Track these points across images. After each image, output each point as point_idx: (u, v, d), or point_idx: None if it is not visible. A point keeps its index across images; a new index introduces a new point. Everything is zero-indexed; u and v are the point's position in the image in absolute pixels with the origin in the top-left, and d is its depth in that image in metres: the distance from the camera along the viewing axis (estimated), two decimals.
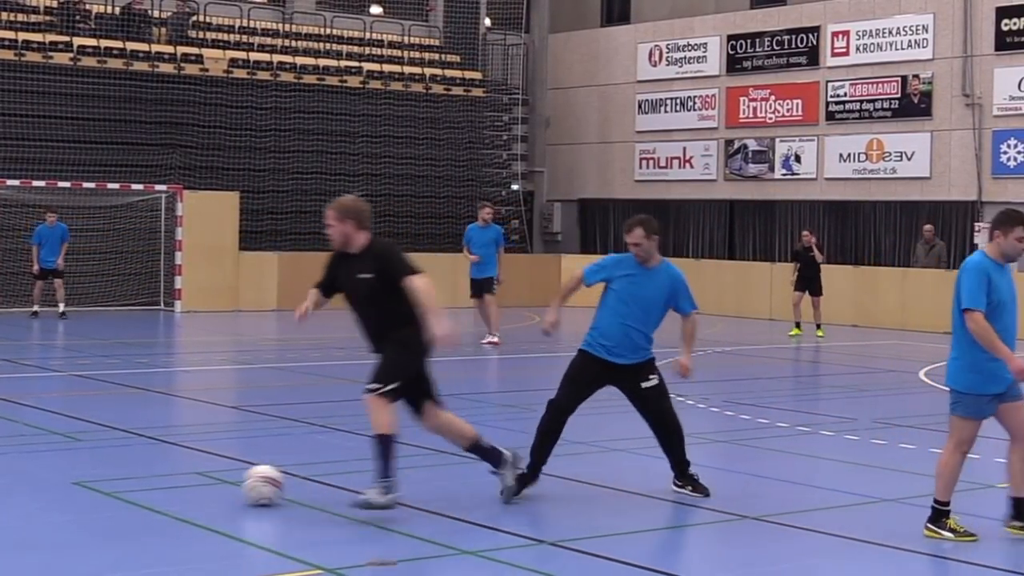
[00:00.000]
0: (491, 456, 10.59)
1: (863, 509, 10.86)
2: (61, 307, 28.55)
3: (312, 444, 13.24)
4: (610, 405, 16.99)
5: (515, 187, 40.84)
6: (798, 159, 36.58)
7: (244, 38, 37.68)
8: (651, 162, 39.93)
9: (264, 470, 10.27)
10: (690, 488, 10.96)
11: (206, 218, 31.59)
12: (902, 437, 14.50)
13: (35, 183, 30.23)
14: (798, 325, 27.93)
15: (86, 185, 30.74)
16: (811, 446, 14.03)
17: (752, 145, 37.62)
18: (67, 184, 30.45)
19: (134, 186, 31.69)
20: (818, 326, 28.01)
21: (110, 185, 31.24)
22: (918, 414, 16.61)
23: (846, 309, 31.38)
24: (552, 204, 42.11)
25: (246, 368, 21.47)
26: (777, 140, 37.01)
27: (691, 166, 38.97)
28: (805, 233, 28.97)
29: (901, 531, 9.79)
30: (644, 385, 11.14)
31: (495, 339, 24.49)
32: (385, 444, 9.88)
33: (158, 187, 32.05)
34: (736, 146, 37.97)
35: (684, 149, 39.08)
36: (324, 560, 8.55)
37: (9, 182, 30.03)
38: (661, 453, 11.29)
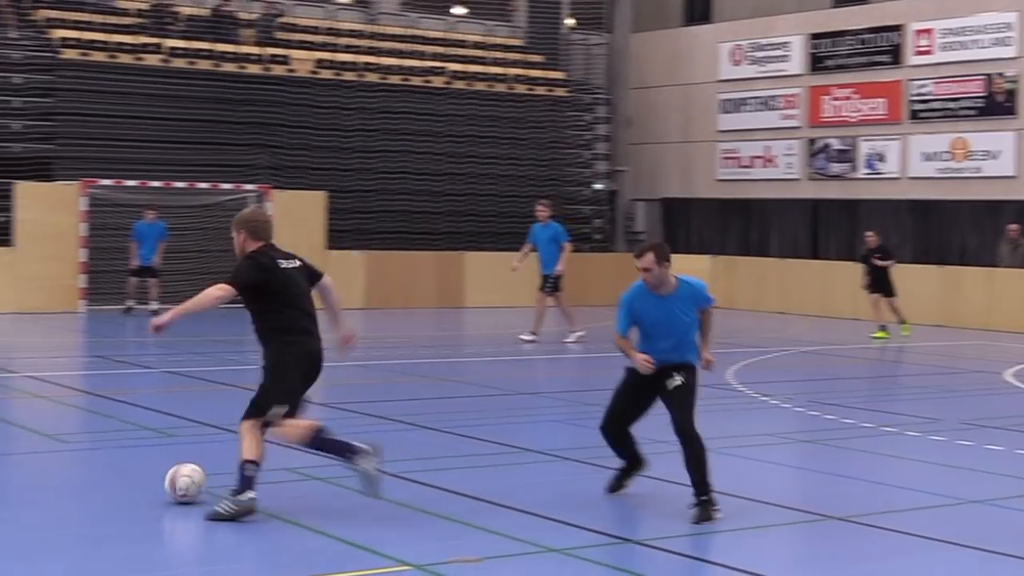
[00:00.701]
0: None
1: (950, 510, 10.76)
2: (154, 305, 28.84)
3: (400, 441, 13.27)
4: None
5: (598, 186, 40.79)
6: (881, 158, 36.25)
7: (330, 39, 37.87)
8: (733, 161, 39.74)
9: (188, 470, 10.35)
10: (696, 515, 9.95)
11: (294, 217, 31.79)
12: (989, 438, 14.33)
13: (127, 183, 30.59)
14: (883, 328, 27.44)
15: (177, 185, 31.07)
16: (896, 447, 13.89)
17: (835, 144, 37.33)
18: (158, 184, 30.81)
19: (223, 185, 32.00)
20: (902, 323, 27.62)
21: (200, 185, 31.57)
22: (1005, 415, 16.43)
23: (931, 309, 31.06)
24: (635, 203, 42.01)
25: (334, 366, 21.53)
26: (860, 139, 36.70)
27: (774, 165, 38.75)
28: (869, 235, 28.59)
29: (989, 533, 9.70)
30: (669, 384, 10.51)
31: (530, 337, 24.40)
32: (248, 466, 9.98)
33: (247, 187, 32.33)
34: (819, 145, 37.69)
35: (767, 148, 38.86)
36: (411, 556, 8.58)
37: (103, 182, 30.39)
38: (747, 452, 11.24)
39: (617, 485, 10.69)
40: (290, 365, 10.28)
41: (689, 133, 41.03)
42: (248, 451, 10.03)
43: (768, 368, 21.53)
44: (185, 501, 10.15)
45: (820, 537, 9.84)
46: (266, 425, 10.12)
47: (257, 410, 10.22)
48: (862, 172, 36.72)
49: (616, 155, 42.22)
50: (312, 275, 10.62)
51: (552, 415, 15.23)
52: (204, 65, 34.34)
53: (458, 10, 41.32)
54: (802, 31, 38.22)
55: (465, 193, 36.52)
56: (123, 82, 32.85)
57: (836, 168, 37.31)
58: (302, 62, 36.01)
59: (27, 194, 29.53)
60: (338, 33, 38.34)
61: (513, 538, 9.19)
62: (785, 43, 38.58)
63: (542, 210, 25.75)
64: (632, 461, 10.83)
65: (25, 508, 10.14)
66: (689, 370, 10.51)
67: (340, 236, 33.35)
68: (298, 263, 10.55)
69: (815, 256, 37.42)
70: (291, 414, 10.23)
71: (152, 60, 33.72)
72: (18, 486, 11.14)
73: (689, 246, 39.62)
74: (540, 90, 39.40)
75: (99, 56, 33.03)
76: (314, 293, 10.61)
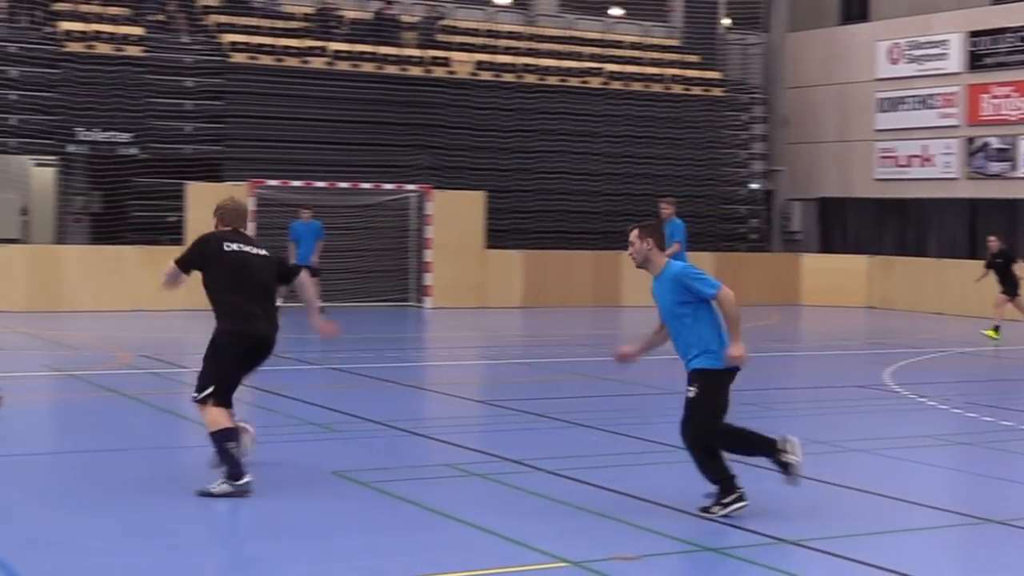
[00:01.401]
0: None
1: None
2: (317, 304, 29.28)
3: (557, 439, 13.34)
4: (849, 406, 16.81)
5: (754, 186, 40.50)
6: None
7: (489, 41, 38.09)
8: (890, 160, 39.18)
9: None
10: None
11: (454, 217, 32.10)
12: None
13: (293, 183, 31.10)
14: (996, 328, 26.45)
15: (340, 185, 31.51)
16: None
17: (994, 143, 36.63)
18: (323, 184, 31.27)
19: (385, 186, 32.38)
20: None
21: (363, 185, 31.98)
22: None
23: None
24: (791, 203, 41.62)
25: (493, 363, 21.74)
26: (1020, 138, 35.95)
27: (932, 164, 38.12)
28: (991, 239, 27.96)
29: None
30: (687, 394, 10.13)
31: None
32: (217, 440, 10.40)
33: (408, 187, 32.67)
34: (978, 144, 37.01)
35: (924, 147, 38.25)
36: (568, 553, 8.63)
37: (269, 182, 30.93)
38: (903, 454, 11.11)
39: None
40: (224, 347, 10.70)
41: (845, 132, 40.53)
42: (211, 424, 10.49)
43: (925, 369, 21.22)
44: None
45: (978, 540, 9.70)
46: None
47: (198, 393, 10.68)
48: (1022, 171, 35.99)
49: (772, 155, 41.86)
50: (283, 270, 11.25)
51: None
52: (367, 67, 34.76)
53: (615, 11, 41.29)
54: (960, 29, 37.56)
55: (622, 193, 36.48)
56: (289, 85, 33.39)
57: (995, 167, 36.61)
58: (462, 64, 36.26)
59: (198, 194, 30.12)
60: (497, 35, 38.54)
61: (670, 536, 9.20)
62: (943, 41, 37.94)
63: (666, 207, 25.34)
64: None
65: (198, 500, 10.38)
66: (697, 379, 10.05)
67: (499, 235, 33.54)
68: (267, 254, 11.01)
69: (973, 256, 36.72)
70: (223, 396, 10.66)
71: (317, 63, 34.22)
72: (190, 479, 11.40)
73: (846, 246, 39.18)
74: (696, 90, 39.22)
75: (266, 60, 33.62)
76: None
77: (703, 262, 35.57)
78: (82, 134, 31.15)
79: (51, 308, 28.28)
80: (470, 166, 34.83)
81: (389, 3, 36.85)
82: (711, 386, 9.98)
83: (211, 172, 31.80)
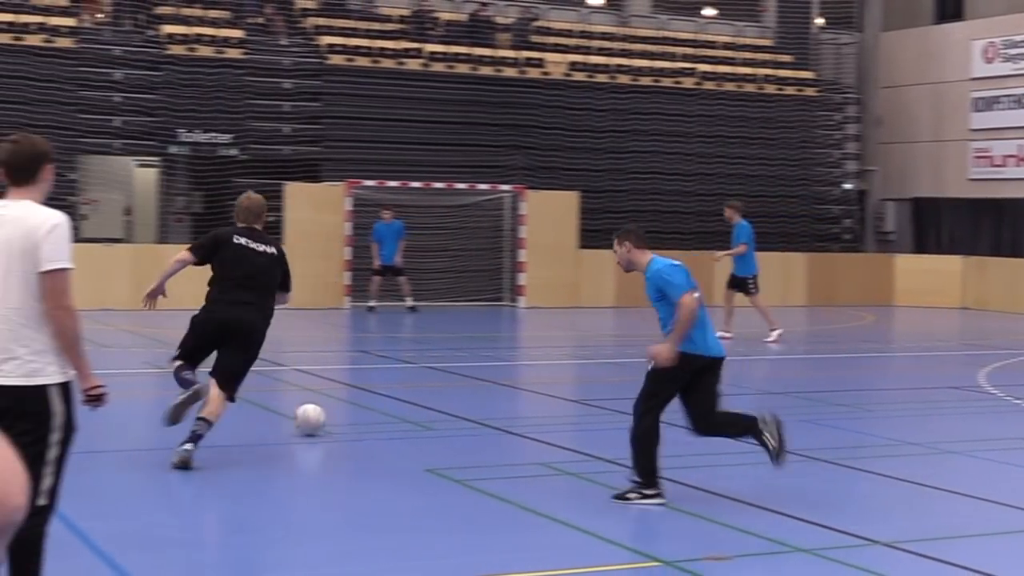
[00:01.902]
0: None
1: None
2: (409, 301, 29.43)
3: None
4: (943, 407, 16.63)
5: (847, 186, 40.16)
6: None
7: (583, 42, 38.07)
8: (986, 160, 38.67)
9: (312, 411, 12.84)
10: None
11: (547, 217, 32.11)
12: None
13: (389, 183, 31.27)
14: None
15: (435, 185, 31.63)
16: None
17: None
18: (418, 184, 31.41)
19: (480, 186, 32.46)
20: None
21: (457, 185, 32.08)
22: None
23: None
24: (885, 203, 41.22)
25: (586, 363, 21.74)
26: None
27: None
28: None
29: None
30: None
31: (775, 335, 24.00)
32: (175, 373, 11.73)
33: (502, 187, 32.74)
34: None
35: (1021, 147, 37.71)
36: (660, 552, 8.62)
37: (366, 182, 31.12)
38: (996, 456, 10.98)
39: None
40: (194, 324, 11.86)
41: (940, 132, 40.07)
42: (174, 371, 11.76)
43: (1020, 371, 20.94)
44: (308, 433, 12.78)
45: None
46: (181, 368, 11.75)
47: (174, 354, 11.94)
48: None
49: (866, 154, 41.48)
50: (283, 273, 12.17)
51: (803, 415, 15.08)
52: (462, 69, 34.86)
53: (708, 11, 41.12)
54: None
55: (715, 193, 36.26)
56: (385, 86, 33.57)
57: None
58: (556, 65, 36.27)
59: (296, 194, 30.40)
60: (591, 36, 38.51)
61: (762, 537, 9.16)
62: None
63: (730, 210, 25.08)
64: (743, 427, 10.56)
65: (294, 496, 10.48)
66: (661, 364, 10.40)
67: (592, 235, 33.50)
68: (272, 251, 12.04)
69: None
70: (189, 366, 11.73)
71: (413, 64, 34.37)
72: (289, 475, 11.52)
73: (940, 246, 38.74)
74: (790, 90, 38.96)
75: (363, 61, 33.82)
76: None
77: (796, 262, 35.36)
78: (183, 135, 31.53)
79: (153, 306, 28.57)
80: (563, 166, 34.84)
81: (484, 5, 36.94)
82: (660, 369, 10.39)
83: (309, 173, 32.06)
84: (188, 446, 11.20)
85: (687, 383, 10.44)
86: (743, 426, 10.56)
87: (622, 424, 14.05)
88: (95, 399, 6.84)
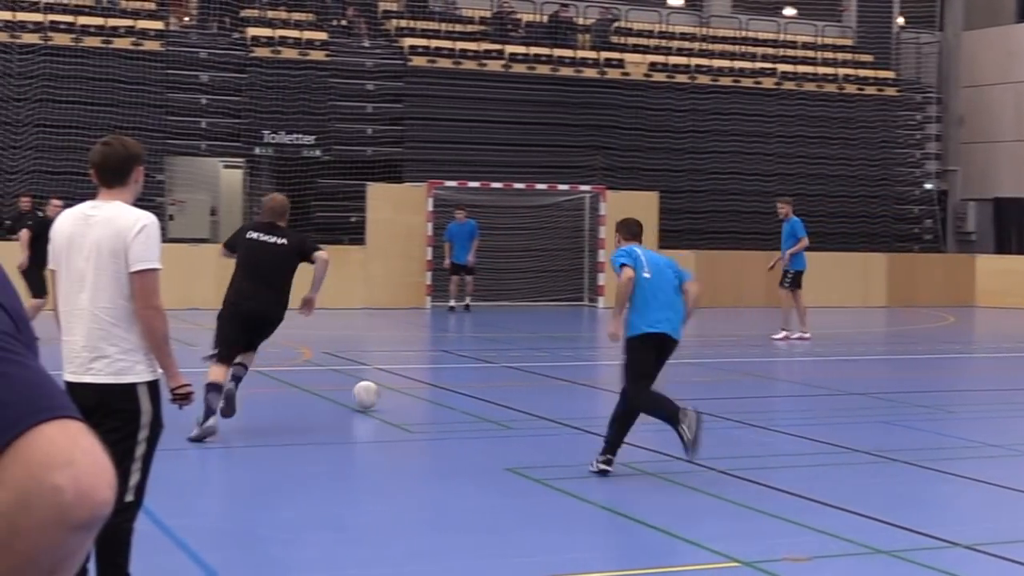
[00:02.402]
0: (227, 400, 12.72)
1: None
2: (467, 300, 29.55)
3: (728, 439, 13.25)
4: (1020, 409, 16.43)
5: (928, 186, 39.77)
6: None
7: (663, 42, 37.97)
8: None
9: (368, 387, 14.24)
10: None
11: (627, 217, 32.02)
12: None
13: (470, 184, 31.34)
14: None
15: (516, 186, 31.65)
16: None
17: None
18: (499, 185, 31.44)
19: (560, 186, 32.46)
20: None
21: (538, 186, 32.09)
22: None
23: None
24: (966, 203, 40.79)
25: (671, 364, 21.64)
26: None
27: None
28: None
29: None
30: None
31: (798, 333, 24.00)
32: (205, 388, 12.27)
33: (582, 187, 32.71)
34: None
35: None
36: (739, 553, 8.58)
37: (447, 183, 31.21)
38: None
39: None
40: (222, 317, 13.04)
41: (1022, 131, 39.59)
42: (208, 376, 12.52)
43: None
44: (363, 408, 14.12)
45: None
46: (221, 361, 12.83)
47: (211, 352, 13.09)
48: None
49: (947, 154, 41.08)
50: (304, 252, 13.03)
51: (882, 416, 14.97)
52: (543, 70, 34.88)
53: (788, 11, 40.87)
54: None
55: (795, 193, 36.00)
56: (467, 87, 33.66)
57: None
58: (636, 65, 36.20)
59: (378, 195, 30.55)
60: (671, 36, 38.40)
61: (841, 538, 9.09)
62: None
63: (782, 207, 24.98)
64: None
65: (376, 494, 10.53)
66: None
67: (672, 236, 33.42)
68: (283, 242, 12.99)
69: None
70: (224, 355, 12.80)
71: (494, 66, 34.43)
72: (371, 473, 11.58)
73: (1021, 247, 38.27)
74: (870, 90, 38.65)
75: (445, 63, 33.93)
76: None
77: (876, 263, 35.06)
78: (268, 137, 31.77)
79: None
80: (643, 167, 34.78)
81: (564, 6, 36.93)
82: (628, 352, 11.24)
83: (391, 173, 32.20)
84: (231, 385, 12.78)
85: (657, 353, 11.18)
86: (668, 412, 11.07)
87: (704, 425, 14.02)
88: (182, 397, 6.92)
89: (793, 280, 24.26)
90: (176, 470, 10.50)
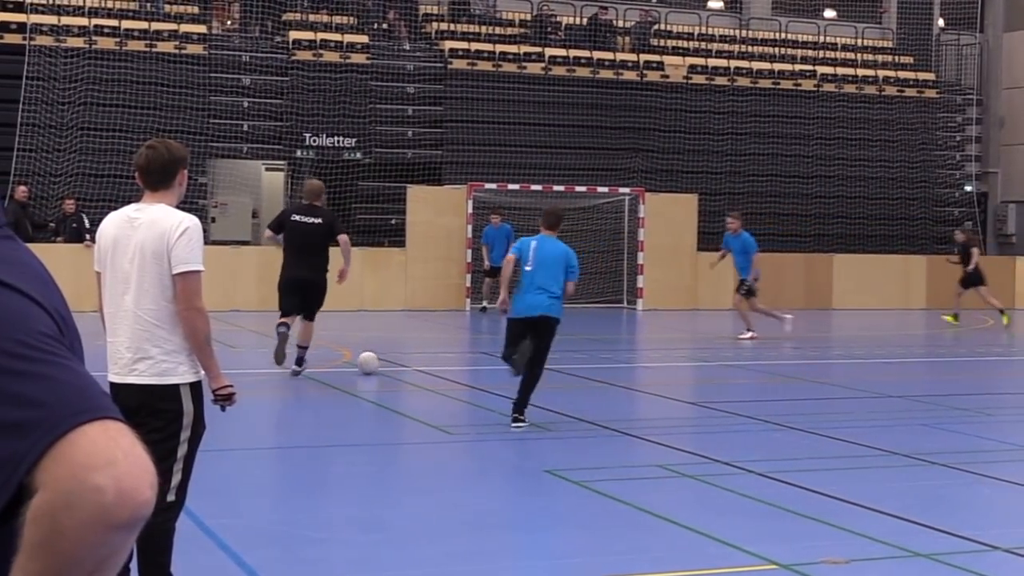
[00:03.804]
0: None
1: None
2: (484, 303, 29.62)
3: (767, 441, 13.23)
4: None
5: (968, 189, 39.56)
6: None
7: (703, 45, 37.90)
8: None
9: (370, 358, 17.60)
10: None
11: (666, 219, 32.00)
12: None
13: (510, 186, 31.37)
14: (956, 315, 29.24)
15: (556, 188, 31.62)
16: None
17: None
18: (538, 187, 31.44)
19: (599, 189, 32.45)
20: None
21: (577, 188, 32.06)
22: None
23: None
24: (1006, 205, 40.55)
25: (704, 365, 21.64)
26: None
27: None
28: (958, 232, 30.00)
29: None
30: None
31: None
32: (277, 327, 16.80)
33: (622, 190, 32.69)
34: None
35: None
36: (777, 555, 8.56)
37: (487, 185, 31.25)
38: None
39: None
40: (280, 286, 16.83)
41: None
42: (280, 319, 16.79)
43: None
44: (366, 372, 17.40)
45: None
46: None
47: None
48: None
49: (987, 156, 40.85)
50: (333, 232, 16.70)
51: (921, 419, 14.91)
52: (582, 72, 34.89)
53: (828, 13, 40.73)
54: None
55: (834, 196, 36.00)
56: (506, 90, 33.69)
57: None
58: (675, 68, 36.15)
59: (418, 197, 30.61)
60: (710, 39, 38.33)
61: (880, 541, 9.06)
62: None
63: (732, 222, 25.74)
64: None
65: (415, 495, 10.56)
66: None
67: (710, 238, 33.33)
68: (319, 221, 16.52)
69: None
70: (285, 312, 16.69)
71: (533, 68, 34.45)
72: (410, 474, 11.62)
73: None
74: (910, 92, 38.48)
75: (485, 65, 33.96)
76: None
77: (916, 265, 34.87)
78: (310, 139, 31.89)
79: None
80: (682, 169, 34.73)
81: (604, 8, 36.92)
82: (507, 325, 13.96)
83: (431, 176, 32.26)
84: (295, 368, 16.93)
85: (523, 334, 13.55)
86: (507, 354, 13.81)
87: (741, 427, 14.05)
88: (224, 399, 6.96)
89: (749, 290, 24.93)
90: (218, 470, 10.56)
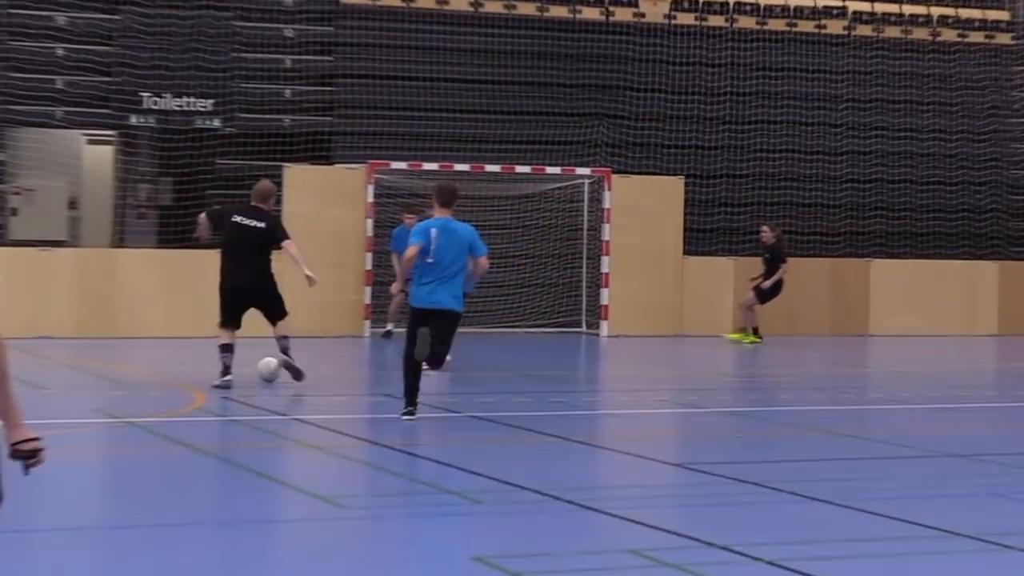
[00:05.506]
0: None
1: None
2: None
3: (779, 517, 13.26)
4: None
5: None
6: None
7: None
8: None
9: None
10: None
11: (641, 212, 32.07)
12: None
13: (424, 166, 31.22)
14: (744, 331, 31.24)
15: (488, 169, 31.56)
16: None
17: None
18: (464, 167, 31.26)
19: (549, 170, 32.41)
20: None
21: (518, 168, 32.00)
22: None
23: None
24: None
25: (692, 411, 21.71)
26: None
27: None
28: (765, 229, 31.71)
29: None
30: None
31: None
32: (219, 349, 21.07)
33: (579, 170, 32.72)
34: None
35: None
36: None
37: (393, 165, 31.21)
38: None
39: None
40: (222, 292, 20.97)
41: None
42: (218, 339, 21.01)
43: None
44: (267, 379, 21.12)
45: None
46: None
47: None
48: None
49: None
50: (275, 237, 20.89)
51: (990, 485, 15.03)
52: (526, 9, 34.97)
53: None
54: None
55: (871, 178, 36.22)
56: (420, 34, 33.83)
57: None
58: (653, 4, 36.23)
59: (299, 180, 30.67)
60: None
61: None
62: None
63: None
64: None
65: None
66: None
67: (702, 237, 33.64)
68: (262, 226, 20.72)
69: None
70: (227, 323, 20.89)
71: (458, 3, 34.50)
72: (285, 564, 11.59)
73: None
74: (976, 36, 38.75)
75: (391, 0, 33.98)
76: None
77: (984, 274, 35.05)
78: (148, 101, 31.77)
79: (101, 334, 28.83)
80: (663, 142, 34.85)
81: None
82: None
83: (317, 152, 32.23)
84: (284, 357, 21.50)
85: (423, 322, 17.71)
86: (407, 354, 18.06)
87: (744, 497, 14.10)
88: (28, 456, 6.88)
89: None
90: (20, 561, 10.48)
